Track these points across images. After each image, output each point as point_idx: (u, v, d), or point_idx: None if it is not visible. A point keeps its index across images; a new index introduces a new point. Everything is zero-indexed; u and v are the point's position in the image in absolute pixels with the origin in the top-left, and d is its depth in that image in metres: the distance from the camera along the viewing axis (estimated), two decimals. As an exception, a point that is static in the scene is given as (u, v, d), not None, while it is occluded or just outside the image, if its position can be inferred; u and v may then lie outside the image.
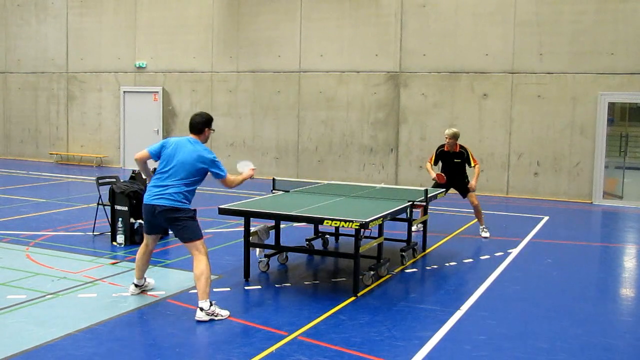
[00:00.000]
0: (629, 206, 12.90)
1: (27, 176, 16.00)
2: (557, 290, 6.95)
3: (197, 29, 17.02)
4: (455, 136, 9.53)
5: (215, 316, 5.61)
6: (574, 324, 5.83)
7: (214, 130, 6.23)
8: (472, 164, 9.55)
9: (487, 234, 9.60)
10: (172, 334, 5.33)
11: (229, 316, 5.70)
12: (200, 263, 5.73)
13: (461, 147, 9.62)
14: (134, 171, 9.01)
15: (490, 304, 6.35)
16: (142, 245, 6.23)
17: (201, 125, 6.06)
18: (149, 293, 6.35)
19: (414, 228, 9.46)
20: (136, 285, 6.31)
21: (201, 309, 5.60)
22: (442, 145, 9.68)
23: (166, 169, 5.86)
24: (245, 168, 6.26)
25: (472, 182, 9.55)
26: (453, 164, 9.61)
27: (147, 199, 5.89)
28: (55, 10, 19.12)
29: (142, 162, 6.04)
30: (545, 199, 13.56)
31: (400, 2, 14.67)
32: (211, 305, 5.64)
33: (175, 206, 5.76)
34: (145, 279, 6.36)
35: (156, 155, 6.00)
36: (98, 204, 9.13)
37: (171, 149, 5.92)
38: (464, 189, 9.62)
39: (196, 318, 5.58)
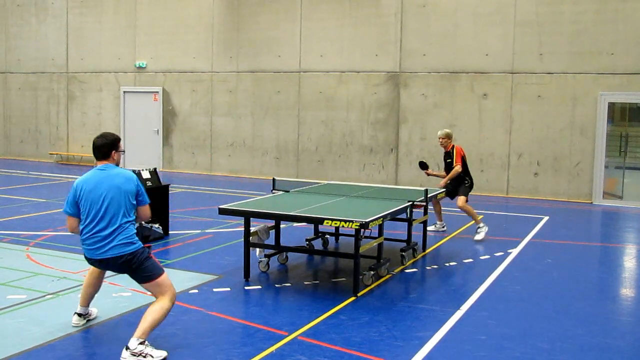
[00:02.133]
0: (629, 206, 12.90)
1: (27, 176, 16.00)
2: (557, 290, 6.95)
3: (197, 29, 17.02)
4: (446, 136, 9.68)
5: (144, 357, 4.69)
6: (574, 324, 5.83)
7: (123, 151, 5.35)
8: (454, 164, 9.53)
9: (479, 237, 9.29)
10: (172, 334, 5.32)
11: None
12: (159, 302, 4.93)
13: (453, 147, 9.70)
14: (133, 171, 8.99)
15: (490, 304, 6.35)
16: (92, 270, 5.39)
17: (106, 148, 5.04)
18: (149, 293, 6.27)
19: (431, 228, 9.67)
20: (80, 315, 5.47)
21: (127, 348, 4.70)
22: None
23: (99, 214, 4.88)
24: None
25: (442, 181, 9.61)
26: (446, 164, 9.81)
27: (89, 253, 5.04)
28: (55, 10, 19.12)
29: (77, 228, 5.06)
30: (545, 199, 13.56)
31: (400, 2, 14.67)
32: (141, 343, 4.72)
33: (127, 252, 4.90)
34: (89, 307, 5.56)
35: (74, 208, 4.99)
36: (98, 204, 9.11)
37: (87, 191, 4.92)
38: (452, 191, 9.62)
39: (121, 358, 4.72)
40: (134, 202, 5.00)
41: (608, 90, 13.07)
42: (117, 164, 5.16)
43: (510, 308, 6.26)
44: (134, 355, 4.68)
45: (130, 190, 4.97)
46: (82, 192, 4.93)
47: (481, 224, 9.46)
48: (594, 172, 13.24)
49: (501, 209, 12.40)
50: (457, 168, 9.48)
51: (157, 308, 4.87)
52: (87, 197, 4.90)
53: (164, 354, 4.79)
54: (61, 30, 19.09)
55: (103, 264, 5.04)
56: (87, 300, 5.49)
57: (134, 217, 5.03)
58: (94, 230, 4.91)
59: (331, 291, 6.76)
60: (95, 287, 5.47)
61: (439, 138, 9.75)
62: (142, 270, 4.96)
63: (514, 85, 13.80)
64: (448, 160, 9.70)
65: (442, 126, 13.31)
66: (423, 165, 9.96)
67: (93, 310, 5.66)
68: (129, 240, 4.91)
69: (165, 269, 7.40)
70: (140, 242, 5.01)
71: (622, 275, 7.90)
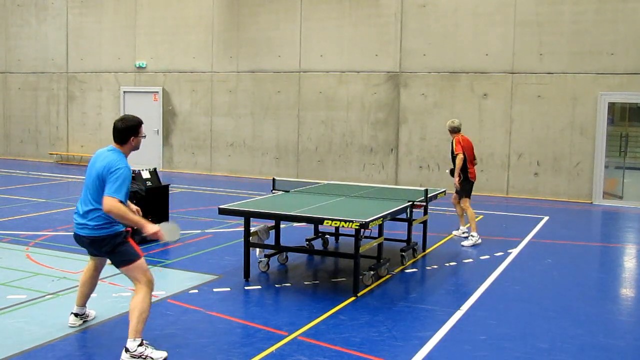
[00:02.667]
0: (629, 206, 12.90)
1: (27, 176, 16.00)
2: (557, 290, 6.95)
3: (197, 29, 17.02)
4: (450, 129, 9.34)
5: (144, 359, 4.66)
6: (574, 324, 5.83)
7: (144, 136, 5.15)
8: (455, 152, 9.14)
9: (467, 243, 8.94)
10: (172, 334, 5.32)
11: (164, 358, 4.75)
12: (137, 294, 4.81)
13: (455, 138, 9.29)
14: (133, 171, 9.00)
15: (490, 304, 6.35)
16: (87, 267, 5.37)
17: (124, 133, 4.98)
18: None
19: (457, 232, 9.48)
20: (77, 315, 5.41)
21: (126, 350, 4.66)
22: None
23: (82, 191, 4.99)
24: (167, 232, 4.97)
25: (455, 179, 9.16)
26: (452, 158, 9.38)
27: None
28: (55, 10, 19.12)
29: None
30: (545, 199, 13.56)
31: (400, 2, 14.67)
32: (140, 345, 4.69)
33: (97, 235, 4.85)
34: (86, 307, 5.51)
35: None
36: (98, 204, 9.11)
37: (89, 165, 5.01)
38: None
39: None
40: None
41: (608, 90, 13.06)
42: (136, 149, 5.09)
43: (510, 308, 6.26)
44: (134, 358, 4.64)
45: (101, 174, 4.81)
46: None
47: (475, 233, 9.04)
48: (594, 172, 13.23)
49: (501, 209, 12.40)
50: (460, 157, 9.03)
51: (137, 300, 4.76)
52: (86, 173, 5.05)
53: (164, 354, 4.74)
54: (61, 30, 19.09)
55: (79, 241, 5.03)
56: (83, 299, 5.43)
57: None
58: (77, 205, 5.05)
59: (331, 291, 6.76)
60: (90, 285, 5.39)
61: (448, 129, 9.38)
62: (116, 254, 4.88)
63: (514, 85, 13.80)
64: (452, 153, 9.27)
65: (442, 126, 13.32)
66: (452, 172, 9.43)
67: (91, 312, 5.59)
68: (98, 224, 4.83)
69: (165, 269, 7.45)
70: (117, 227, 4.85)
71: (622, 275, 7.90)
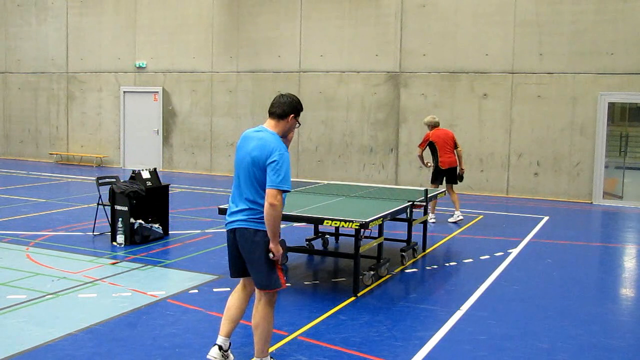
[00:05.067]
0: (629, 206, 12.90)
1: (27, 176, 16.00)
2: (557, 290, 6.95)
3: (197, 29, 17.02)
4: (434, 124, 10.72)
5: None
6: (574, 324, 5.82)
7: (299, 124, 4.82)
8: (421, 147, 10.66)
9: (451, 219, 10.56)
10: (172, 334, 5.32)
11: None
12: (261, 310, 4.41)
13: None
14: (133, 171, 9.01)
15: (490, 304, 6.35)
16: (236, 289, 4.68)
17: (286, 107, 4.59)
18: (149, 293, 6.33)
19: (451, 219, 10.67)
20: (220, 348, 4.59)
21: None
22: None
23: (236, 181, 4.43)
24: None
25: (462, 168, 10.76)
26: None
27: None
28: (55, 10, 19.12)
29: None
30: (545, 199, 13.56)
31: (400, 2, 14.67)
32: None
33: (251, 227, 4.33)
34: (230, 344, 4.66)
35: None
36: (98, 204, 9.13)
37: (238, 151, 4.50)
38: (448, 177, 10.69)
39: None
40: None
41: (608, 90, 13.06)
42: (285, 135, 4.59)
43: (510, 308, 6.26)
44: None
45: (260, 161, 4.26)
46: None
47: (432, 216, 10.40)
48: (594, 172, 13.23)
49: (501, 209, 12.40)
50: (419, 151, 10.64)
51: (260, 316, 4.39)
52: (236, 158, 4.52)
53: None
54: (61, 30, 19.09)
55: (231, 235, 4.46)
56: (230, 327, 4.63)
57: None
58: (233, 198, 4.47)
59: (331, 291, 6.76)
60: (239, 310, 4.62)
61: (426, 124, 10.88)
62: (257, 254, 4.29)
63: (514, 85, 13.80)
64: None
65: (442, 126, 13.29)
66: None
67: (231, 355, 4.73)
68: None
69: (165, 269, 7.45)
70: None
71: (622, 275, 7.90)
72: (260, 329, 4.37)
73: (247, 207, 4.32)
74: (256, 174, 4.29)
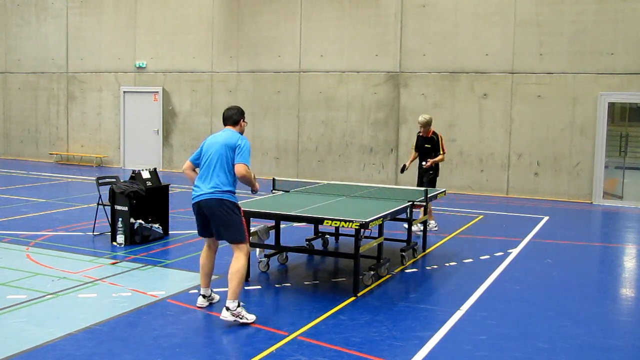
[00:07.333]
0: (629, 206, 12.90)
1: (27, 176, 16.00)
2: (557, 290, 6.95)
3: (197, 29, 17.02)
4: (426, 124, 9.79)
5: (241, 318, 5.47)
6: (574, 324, 5.83)
7: (247, 123, 6.23)
8: (440, 152, 9.77)
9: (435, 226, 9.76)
10: (172, 334, 5.32)
11: (253, 323, 5.52)
12: (238, 261, 5.60)
13: (434, 133, 9.89)
14: (133, 171, 9.01)
15: (490, 304, 6.35)
16: (203, 250, 6.03)
17: (236, 116, 6.03)
18: (149, 293, 6.34)
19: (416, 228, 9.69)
20: (204, 297, 6.03)
21: (227, 309, 5.49)
22: (420, 130, 10.03)
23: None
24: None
25: (429, 161, 9.69)
26: (424, 149, 9.90)
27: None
28: (55, 10, 19.12)
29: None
30: (545, 199, 13.56)
31: (400, 2, 14.67)
32: (238, 306, 5.51)
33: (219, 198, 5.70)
34: (212, 290, 6.10)
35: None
36: (98, 204, 9.13)
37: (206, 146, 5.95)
38: (421, 178, 9.81)
39: (221, 317, 5.52)
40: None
41: (608, 90, 13.06)
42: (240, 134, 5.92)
43: (510, 308, 6.26)
44: (235, 316, 5.46)
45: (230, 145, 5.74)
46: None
47: (432, 222, 9.75)
48: (594, 172, 13.23)
49: (501, 209, 12.40)
50: (442, 157, 9.77)
51: (239, 265, 5.59)
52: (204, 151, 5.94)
53: (253, 317, 5.56)
54: (61, 31, 19.09)
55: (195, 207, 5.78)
56: (207, 279, 5.98)
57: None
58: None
59: (331, 291, 6.76)
60: (208, 266, 5.98)
61: (423, 124, 9.80)
62: (226, 222, 5.63)
63: (514, 85, 13.80)
64: (427, 146, 9.83)
65: (442, 126, 13.34)
66: (403, 169, 10.08)
67: (216, 295, 6.11)
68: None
69: (165, 268, 7.45)
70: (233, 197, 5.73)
71: (622, 275, 7.90)
72: (238, 275, 5.53)
73: (214, 185, 5.67)
74: (228, 153, 5.70)
